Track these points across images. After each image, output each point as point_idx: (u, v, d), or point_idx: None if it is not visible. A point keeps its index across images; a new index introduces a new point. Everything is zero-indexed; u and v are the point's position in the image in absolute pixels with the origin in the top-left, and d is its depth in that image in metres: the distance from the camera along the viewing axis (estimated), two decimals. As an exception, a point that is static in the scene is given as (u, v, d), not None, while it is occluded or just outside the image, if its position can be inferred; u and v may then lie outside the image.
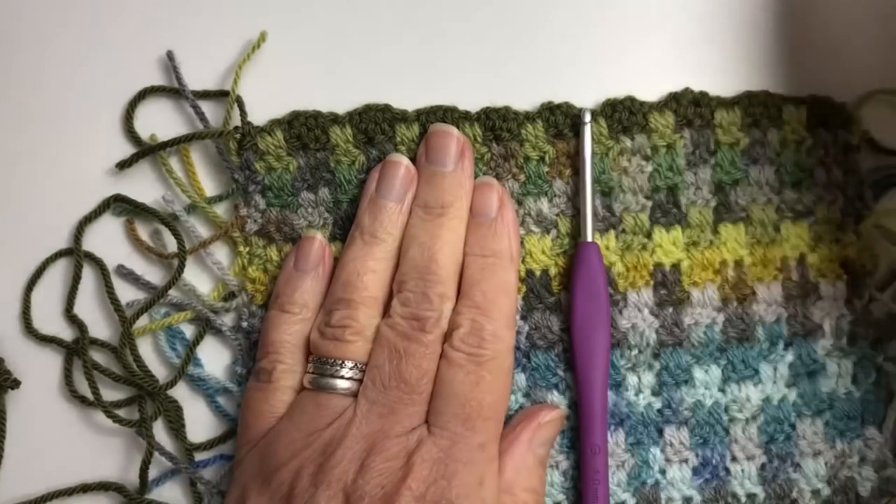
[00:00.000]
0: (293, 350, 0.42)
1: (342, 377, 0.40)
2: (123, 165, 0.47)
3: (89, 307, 0.47)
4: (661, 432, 0.45)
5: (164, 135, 0.47)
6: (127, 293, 0.47)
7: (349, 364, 0.40)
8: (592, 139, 0.46)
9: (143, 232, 0.47)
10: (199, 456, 0.45)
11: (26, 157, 0.48)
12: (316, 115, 0.46)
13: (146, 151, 0.47)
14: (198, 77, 0.48)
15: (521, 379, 0.45)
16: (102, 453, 0.46)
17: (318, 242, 0.44)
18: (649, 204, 0.46)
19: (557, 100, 0.47)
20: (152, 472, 0.44)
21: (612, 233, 0.46)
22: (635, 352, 0.45)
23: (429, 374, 0.40)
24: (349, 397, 0.40)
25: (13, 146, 0.48)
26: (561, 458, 0.45)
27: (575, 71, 0.48)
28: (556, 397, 0.45)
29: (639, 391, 0.45)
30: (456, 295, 0.41)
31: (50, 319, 0.47)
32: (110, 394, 0.45)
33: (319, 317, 0.42)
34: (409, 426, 0.39)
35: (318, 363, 0.41)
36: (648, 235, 0.46)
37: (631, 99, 0.47)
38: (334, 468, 0.38)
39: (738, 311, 0.46)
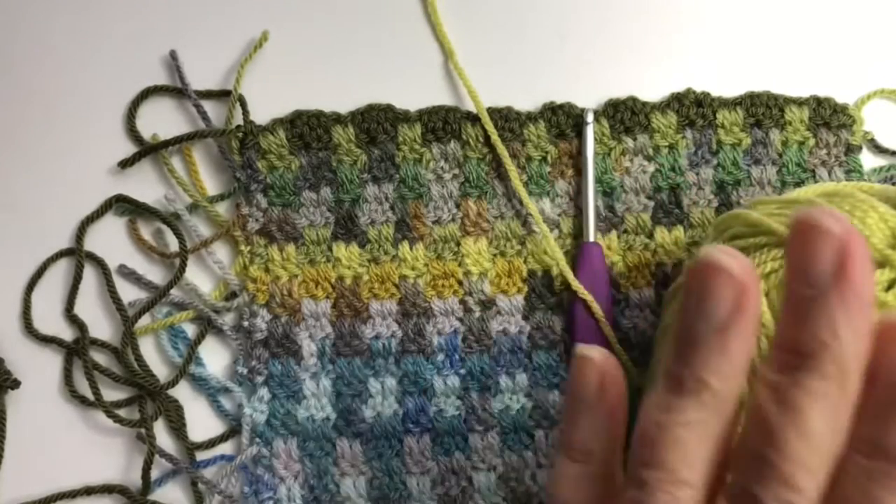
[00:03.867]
0: None
1: None
2: (125, 164, 0.47)
3: (90, 307, 0.47)
4: None
5: (167, 134, 0.47)
6: (128, 293, 0.46)
7: None
8: (595, 139, 0.46)
9: (146, 231, 0.47)
10: (201, 455, 0.45)
11: (28, 156, 0.48)
12: (318, 115, 0.46)
13: (148, 150, 0.47)
14: (200, 76, 0.48)
15: (523, 379, 0.45)
16: (103, 453, 0.45)
17: (594, 364, 0.28)
18: (651, 204, 0.46)
19: (560, 100, 0.47)
20: (153, 472, 0.44)
21: (614, 233, 0.46)
22: (636, 352, 0.45)
23: None
24: None
25: (15, 146, 0.48)
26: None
27: (577, 71, 0.48)
28: (557, 397, 0.45)
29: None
30: None
31: (50, 319, 0.46)
32: (110, 394, 0.45)
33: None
34: None
35: None
36: (650, 235, 0.46)
37: (633, 99, 0.47)
38: None
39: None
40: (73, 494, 0.44)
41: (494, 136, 0.46)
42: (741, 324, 0.25)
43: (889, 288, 0.31)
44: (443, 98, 0.48)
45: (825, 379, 0.24)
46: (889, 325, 0.24)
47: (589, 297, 0.44)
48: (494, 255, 0.46)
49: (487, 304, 0.46)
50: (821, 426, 0.24)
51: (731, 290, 0.24)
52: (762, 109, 0.47)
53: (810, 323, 0.24)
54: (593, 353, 0.28)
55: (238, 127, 0.46)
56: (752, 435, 0.25)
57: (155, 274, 0.47)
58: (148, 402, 0.45)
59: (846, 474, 0.24)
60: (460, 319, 0.46)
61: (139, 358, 0.45)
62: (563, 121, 0.47)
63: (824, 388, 0.24)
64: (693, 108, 0.47)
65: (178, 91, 0.48)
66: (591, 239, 0.45)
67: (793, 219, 0.25)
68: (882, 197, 0.35)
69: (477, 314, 0.46)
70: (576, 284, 0.44)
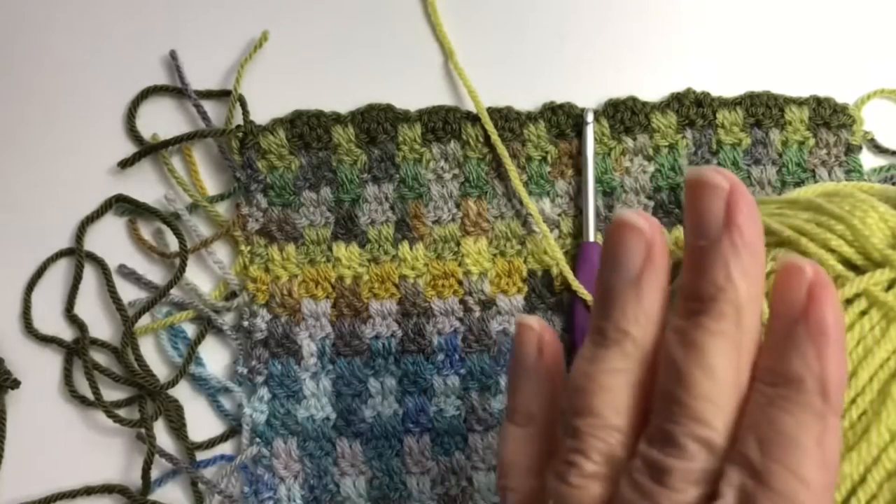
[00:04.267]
0: (525, 476, 0.30)
1: None
2: (125, 164, 0.47)
3: (90, 307, 0.47)
4: None
5: (167, 134, 0.47)
6: (128, 293, 0.46)
7: None
8: (595, 139, 0.46)
9: (146, 231, 0.47)
10: (201, 455, 0.45)
11: (28, 156, 0.48)
12: (318, 115, 0.46)
13: (148, 150, 0.47)
14: (200, 76, 0.48)
15: (524, 379, 0.45)
16: (102, 453, 0.45)
17: (533, 331, 0.31)
18: (651, 204, 0.46)
19: (560, 100, 0.47)
20: (153, 472, 0.44)
21: (614, 233, 0.46)
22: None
23: None
24: None
25: (15, 146, 0.48)
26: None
27: (577, 71, 0.48)
28: (558, 397, 0.45)
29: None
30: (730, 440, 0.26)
31: (50, 319, 0.46)
32: (110, 394, 0.45)
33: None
34: None
35: None
36: (651, 235, 0.46)
37: (633, 99, 0.47)
38: None
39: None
40: (73, 494, 0.44)
41: (494, 136, 0.46)
42: (652, 274, 0.27)
43: (889, 288, 0.31)
44: (443, 98, 0.48)
45: (723, 318, 0.26)
46: (784, 266, 0.26)
47: (589, 297, 0.44)
48: (494, 255, 0.46)
49: (487, 303, 0.46)
50: (723, 362, 0.26)
51: (641, 244, 0.27)
52: (762, 109, 0.47)
53: (707, 271, 0.26)
54: (531, 321, 0.31)
55: (238, 127, 0.46)
56: (664, 378, 0.27)
57: (155, 274, 0.47)
58: (148, 402, 0.45)
59: (752, 404, 0.26)
60: (460, 319, 0.46)
61: (139, 358, 0.45)
62: (563, 121, 0.47)
63: (722, 327, 0.26)
64: (693, 108, 0.47)
65: (178, 91, 0.48)
66: (591, 239, 0.45)
67: (684, 180, 0.27)
68: (882, 197, 0.35)
69: (477, 314, 0.46)
70: (576, 284, 0.44)
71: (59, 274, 0.47)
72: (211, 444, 0.45)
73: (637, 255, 0.28)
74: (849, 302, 0.31)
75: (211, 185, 0.48)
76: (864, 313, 0.31)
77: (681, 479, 0.25)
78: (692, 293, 0.27)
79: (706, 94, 0.47)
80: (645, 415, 0.27)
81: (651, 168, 0.47)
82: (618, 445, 0.27)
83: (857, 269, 0.32)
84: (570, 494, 0.27)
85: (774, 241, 0.34)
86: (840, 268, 0.32)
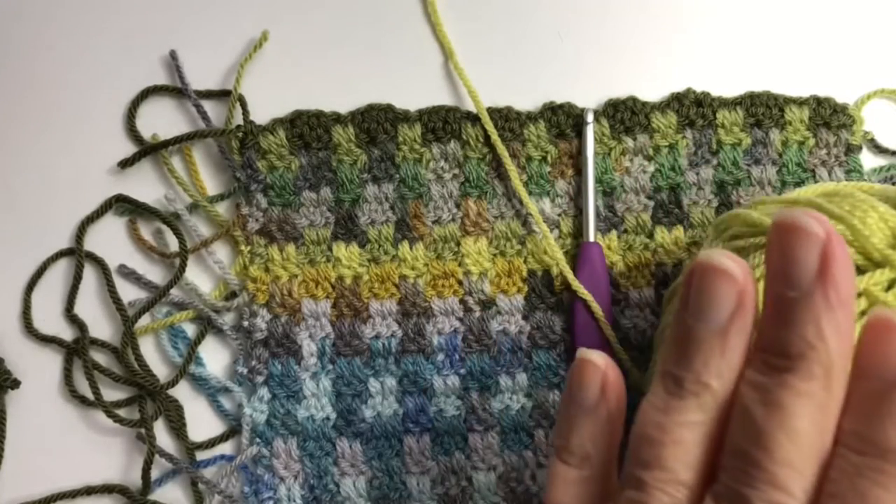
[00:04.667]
0: None
1: None
2: (125, 164, 0.47)
3: (90, 307, 0.47)
4: None
5: (167, 134, 0.47)
6: (128, 293, 0.46)
7: None
8: (595, 139, 0.46)
9: (146, 231, 0.47)
10: (201, 455, 0.45)
11: (28, 156, 0.48)
12: (318, 115, 0.46)
13: (148, 150, 0.47)
14: (200, 76, 0.48)
15: (523, 378, 0.45)
16: (102, 453, 0.45)
17: (597, 368, 0.29)
18: (651, 204, 0.46)
19: (560, 100, 0.47)
20: (153, 472, 0.44)
21: (614, 233, 0.46)
22: (636, 352, 0.45)
23: None
24: None
25: (15, 146, 0.48)
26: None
27: (577, 71, 0.48)
28: (557, 397, 0.45)
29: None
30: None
31: (50, 319, 0.46)
32: (110, 394, 0.45)
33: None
34: None
35: None
36: (650, 235, 0.46)
37: (633, 99, 0.47)
38: None
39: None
40: (73, 494, 0.44)
41: (494, 136, 0.46)
42: (740, 325, 0.25)
43: (889, 288, 0.31)
44: (443, 98, 0.48)
45: (811, 379, 0.24)
46: (877, 321, 0.24)
47: (589, 297, 0.44)
48: (494, 255, 0.46)
49: (487, 303, 0.46)
50: (808, 426, 0.24)
51: (733, 292, 0.25)
52: (762, 109, 0.47)
53: (795, 325, 0.24)
54: (595, 357, 0.29)
55: (238, 127, 0.47)
56: (739, 436, 0.25)
57: (155, 274, 0.47)
58: (148, 402, 0.45)
59: (836, 471, 0.24)
60: (460, 319, 0.46)
61: (139, 358, 0.45)
62: (563, 121, 0.47)
63: (811, 389, 0.24)
64: (693, 108, 0.47)
65: (178, 91, 0.48)
66: (591, 239, 0.45)
67: (773, 220, 0.25)
68: (882, 197, 0.35)
69: (477, 314, 0.46)
70: (576, 284, 0.44)
71: (59, 274, 0.47)
72: (211, 444, 0.45)
73: (727, 304, 0.25)
74: None
75: (211, 185, 0.48)
76: (864, 313, 0.31)
77: None
78: (776, 347, 0.24)
79: (706, 94, 0.47)
80: (712, 467, 0.26)
81: (651, 168, 0.47)
82: (684, 500, 0.26)
83: (857, 269, 0.32)
84: None
85: None
86: None
